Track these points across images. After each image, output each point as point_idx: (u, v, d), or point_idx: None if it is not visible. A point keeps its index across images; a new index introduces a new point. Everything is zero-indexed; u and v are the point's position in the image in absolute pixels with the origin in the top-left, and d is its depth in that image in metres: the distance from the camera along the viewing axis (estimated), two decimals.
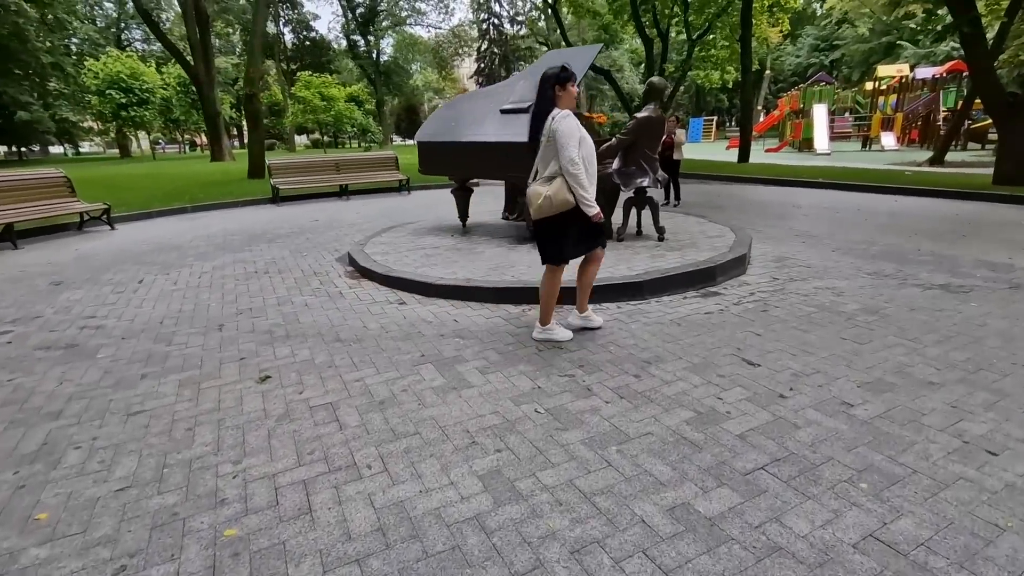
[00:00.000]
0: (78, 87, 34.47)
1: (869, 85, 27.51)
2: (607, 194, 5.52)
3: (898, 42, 33.41)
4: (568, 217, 3.23)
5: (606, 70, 21.68)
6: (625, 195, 5.87)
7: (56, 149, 49.17)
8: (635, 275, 4.60)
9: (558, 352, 3.37)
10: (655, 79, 5.47)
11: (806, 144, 22.87)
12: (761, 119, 34.64)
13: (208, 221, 9.69)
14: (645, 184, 5.50)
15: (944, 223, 7.30)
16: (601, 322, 3.76)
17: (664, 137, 8.96)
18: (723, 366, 3.13)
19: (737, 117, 27.98)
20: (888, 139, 22.29)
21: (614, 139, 5.49)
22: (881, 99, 25.58)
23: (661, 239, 5.73)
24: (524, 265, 5.02)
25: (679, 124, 9.28)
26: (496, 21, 55.58)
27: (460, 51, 49.45)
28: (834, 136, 23.59)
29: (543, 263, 3.44)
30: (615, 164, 5.63)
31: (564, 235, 3.30)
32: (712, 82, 23.06)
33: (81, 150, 53.45)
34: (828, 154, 20.31)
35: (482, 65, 58.06)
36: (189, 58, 25.04)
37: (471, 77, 63.74)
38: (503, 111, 6.21)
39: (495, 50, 56.51)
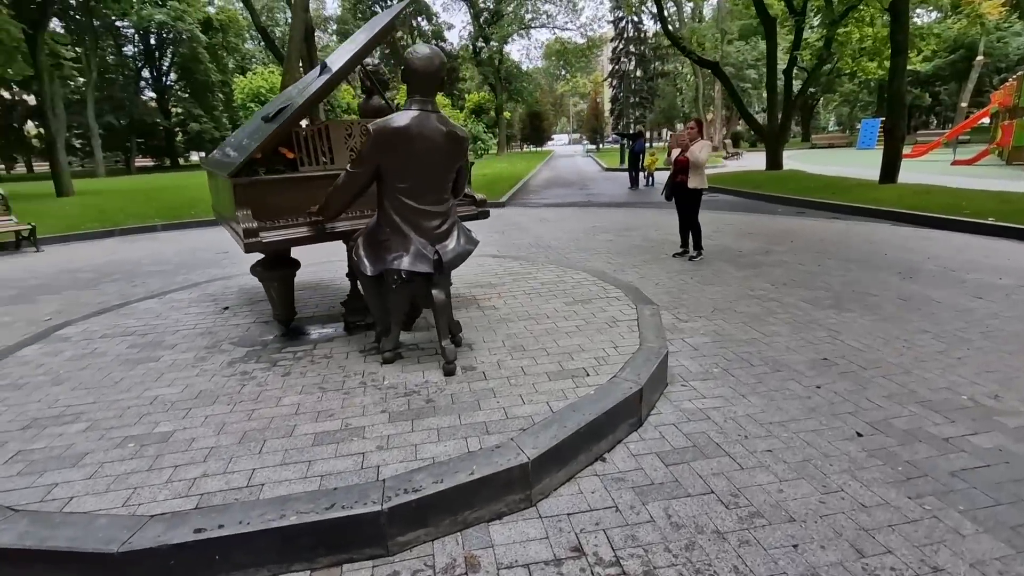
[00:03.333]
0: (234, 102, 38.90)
1: None
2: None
3: None
4: None
5: (714, 62, 17.59)
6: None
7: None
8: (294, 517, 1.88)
9: None
10: (417, 52, 2.56)
11: (1018, 154, 16.10)
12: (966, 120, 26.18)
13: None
14: (402, 266, 2.65)
15: None
16: None
17: (676, 152, 5.69)
18: None
19: (941, 117, 21.14)
20: None
21: (342, 174, 2.72)
22: None
23: (450, 366, 2.78)
24: (375, 442, 2.16)
25: (698, 132, 5.83)
26: (635, 18, 51.58)
27: (588, 53, 46.48)
28: None
29: None
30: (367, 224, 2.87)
31: None
32: (868, 72, 17.36)
33: None
34: None
35: (616, 67, 54.49)
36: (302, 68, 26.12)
37: (604, 79, 60.38)
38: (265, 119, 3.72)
39: (632, 49, 52.54)
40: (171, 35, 38.31)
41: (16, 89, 32.63)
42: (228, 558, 1.69)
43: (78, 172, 37.71)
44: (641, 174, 15.28)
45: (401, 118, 2.51)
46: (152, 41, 41.03)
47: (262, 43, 47.91)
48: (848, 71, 17.69)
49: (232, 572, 1.70)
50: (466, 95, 48.56)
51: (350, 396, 2.57)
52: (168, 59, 42.51)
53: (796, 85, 17.95)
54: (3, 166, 42.96)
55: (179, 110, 43.51)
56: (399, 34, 45.63)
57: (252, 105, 33.40)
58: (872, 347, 3.42)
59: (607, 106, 61.28)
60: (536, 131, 53.55)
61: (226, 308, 4.16)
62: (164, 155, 45.88)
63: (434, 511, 1.84)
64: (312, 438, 2.20)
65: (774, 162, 16.77)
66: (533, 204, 12.34)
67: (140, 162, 44.88)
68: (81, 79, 32.25)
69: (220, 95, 41.09)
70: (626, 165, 17.01)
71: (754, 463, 2.25)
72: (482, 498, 1.91)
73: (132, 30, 37.77)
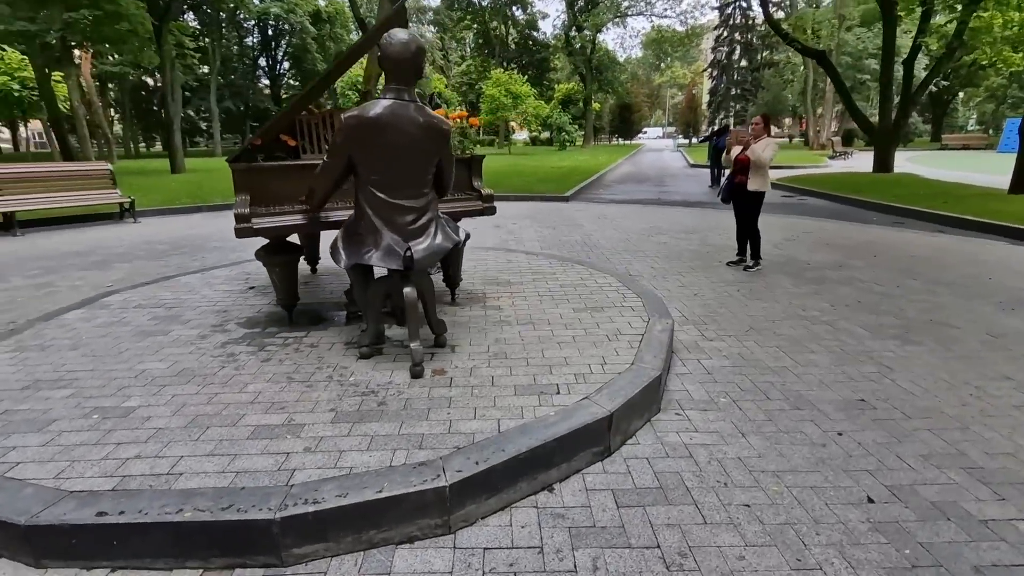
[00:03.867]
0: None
1: None
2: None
3: None
4: None
5: (820, 51, 16.00)
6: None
7: None
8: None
9: None
10: (392, 37, 2.39)
11: None
12: None
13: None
14: (371, 261, 2.56)
15: None
16: None
17: (738, 150, 5.20)
18: None
19: None
20: None
21: (320, 164, 2.65)
22: None
23: (416, 368, 2.65)
24: (306, 443, 2.11)
25: (764, 128, 5.18)
26: (744, 4, 48.26)
27: (686, 41, 44.09)
28: None
29: None
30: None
31: None
32: (1010, 64, 14.85)
33: None
34: None
35: (719, 57, 51.39)
36: None
37: (704, 70, 56.96)
38: None
39: (737, 37, 49.21)
40: (286, 26, 41.29)
41: (157, 76, 36.82)
42: (126, 545, 1.69)
43: (201, 152, 41.95)
44: (725, 172, 14.24)
45: (374, 107, 2.40)
46: (269, 32, 44.47)
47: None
48: (986, 62, 15.24)
49: (130, 559, 1.70)
50: (555, 85, 48.09)
51: (311, 390, 2.53)
52: (282, 49, 45.90)
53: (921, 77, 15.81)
54: (144, 144, 48.72)
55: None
56: (493, 24, 46.02)
57: (350, 93, 35.30)
58: (930, 391, 2.87)
59: (705, 98, 58.08)
60: (625, 123, 51.94)
61: (251, 288, 4.33)
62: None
63: (334, 527, 1.73)
64: (251, 430, 2.18)
65: (883, 164, 14.98)
66: (599, 199, 11.92)
67: None
68: (205, 68, 35.63)
69: None
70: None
71: (722, 518, 1.93)
72: (390, 519, 1.78)
73: (252, 22, 41.11)
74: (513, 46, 46.39)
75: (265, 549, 1.70)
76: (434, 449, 2.03)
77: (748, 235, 5.50)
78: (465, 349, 2.98)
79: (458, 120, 3.44)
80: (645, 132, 73.20)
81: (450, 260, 3.76)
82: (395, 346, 3.05)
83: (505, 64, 44.84)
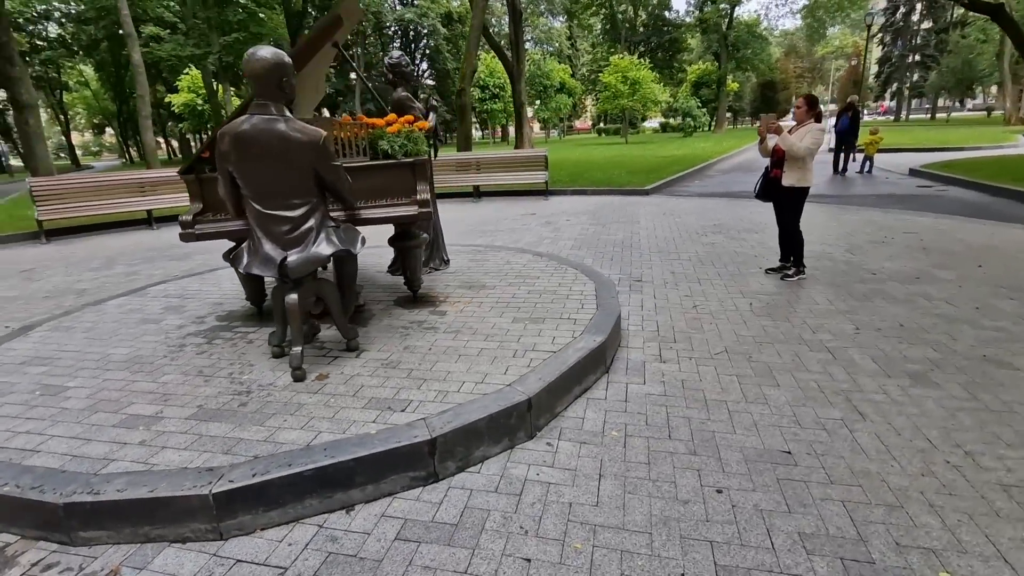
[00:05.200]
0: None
1: None
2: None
3: None
4: None
5: (996, 4, 13.06)
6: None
7: None
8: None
9: None
10: (252, 54, 2.42)
11: None
12: None
13: None
14: (250, 269, 2.72)
15: None
16: None
17: (773, 141, 4.57)
18: None
19: None
20: None
21: None
22: None
23: (297, 372, 2.75)
24: (150, 436, 2.53)
25: (808, 112, 4.29)
26: None
27: (845, 4, 38.26)
28: None
29: None
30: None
31: None
32: None
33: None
34: None
35: (889, 20, 44.06)
36: (508, 53, 27.63)
37: (874, 36, 48.81)
38: None
39: None
40: (423, 29, 44.12)
41: None
42: None
43: None
44: (853, 156, 12.27)
45: (238, 123, 2.52)
46: (410, 35, 47.86)
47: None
48: None
49: None
50: (686, 67, 45.05)
51: (205, 384, 2.76)
52: (420, 51, 49.14)
53: None
54: None
55: (423, 95, 50.22)
56: (622, 7, 44.37)
57: (473, 90, 36.62)
58: (888, 452, 2.27)
59: (872, 69, 50.16)
60: (768, 103, 46.88)
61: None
62: None
63: (111, 518, 1.90)
64: (123, 419, 2.45)
65: None
66: (685, 193, 11.02)
67: None
68: (352, 75, 39.45)
69: (454, 81, 45.99)
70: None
71: (487, 570, 1.75)
72: (162, 518, 1.90)
73: (393, 27, 44.55)
74: (641, 29, 44.34)
75: (58, 529, 1.92)
76: (237, 456, 2.11)
77: (788, 238, 4.72)
78: (368, 355, 3.02)
79: (403, 126, 3.45)
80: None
81: (406, 264, 3.81)
82: (315, 347, 3.18)
83: (631, 48, 43.12)
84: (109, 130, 58.06)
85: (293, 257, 2.62)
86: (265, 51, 2.51)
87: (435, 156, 4.89)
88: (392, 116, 3.60)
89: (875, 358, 3.12)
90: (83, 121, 56.66)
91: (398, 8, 39.05)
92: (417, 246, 3.80)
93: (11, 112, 16.51)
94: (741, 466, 2.22)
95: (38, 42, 32.38)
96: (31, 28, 32.49)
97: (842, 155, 12.26)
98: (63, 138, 48.28)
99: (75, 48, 32.50)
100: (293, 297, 2.69)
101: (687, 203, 9.52)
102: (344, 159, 3.42)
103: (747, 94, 50.66)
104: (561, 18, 52.53)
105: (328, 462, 2.02)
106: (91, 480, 1.98)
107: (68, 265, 6.87)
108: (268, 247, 2.64)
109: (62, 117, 43.54)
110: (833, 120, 12.35)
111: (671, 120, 48.55)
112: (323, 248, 2.68)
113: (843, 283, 4.51)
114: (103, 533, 1.92)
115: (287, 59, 2.54)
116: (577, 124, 68.36)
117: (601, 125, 53.41)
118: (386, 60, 4.60)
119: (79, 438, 2.31)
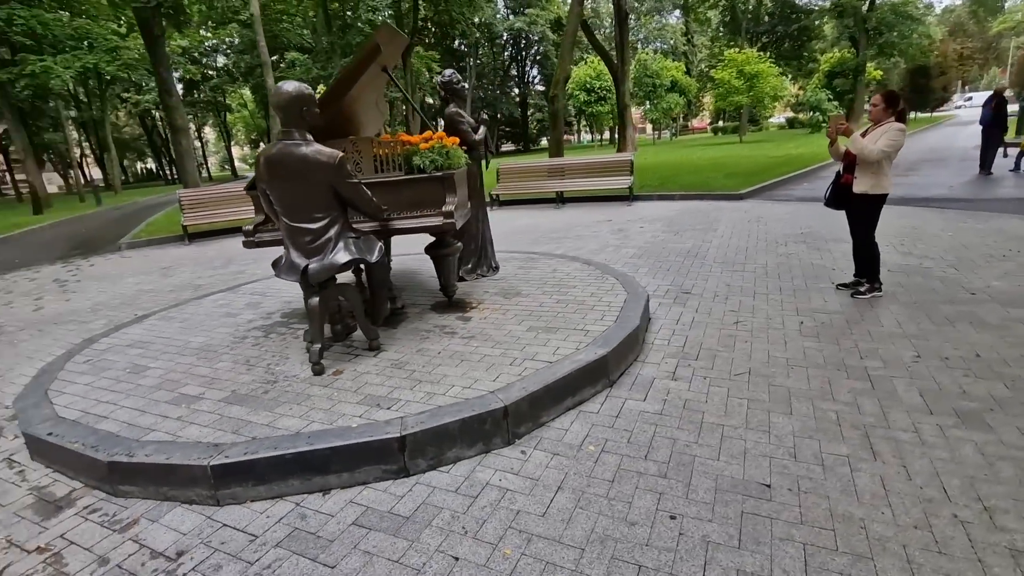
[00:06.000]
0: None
1: None
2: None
3: None
4: None
5: None
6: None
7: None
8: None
9: None
10: (277, 88, 2.80)
11: None
12: None
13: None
14: (280, 274, 3.11)
15: None
16: None
17: (844, 145, 4.23)
18: None
19: None
20: None
21: None
22: None
23: (316, 367, 3.08)
24: (179, 412, 3.82)
25: (886, 110, 3.76)
26: None
27: None
28: None
29: None
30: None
31: None
32: None
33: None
34: None
35: None
36: (613, 54, 27.27)
37: None
38: None
39: None
40: (533, 36, 45.02)
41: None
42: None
43: None
44: (1001, 151, 10.45)
45: (268, 148, 2.90)
46: (522, 43, 49.06)
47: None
48: None
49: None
50: (818, 56, 40.87)
51: (247, 372, 3.20)
52: (531, 58, 50.15)
53: None
54: None
55: (533, 101, 51.13)
56: None
57: (579, 93, 36.58)
58: (884, 498, 2.03)
59: None
60: (920, 92, 40.85)
61: None
62: (520, 141, 54.83)
63: (140, 477, 2.33)
64: (175, 396, 2.94)
65: None
66: (785, 198, 10.14)
67: (505, 148, 54.89)
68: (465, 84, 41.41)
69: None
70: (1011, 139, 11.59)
71: (384, 571, 1.89)
72: (172, 482, 2.29)
73: (505, 36, 45.94)
74: (766, 19, 41.11)
75: (106, 480, 2.39)
76: (241, 435, 2.46)
77: (860, 251, 4.25)
78: (384, 355, 3.28)
79: (437, 142, 3.67)
80: (970, 99, 56.33)
81: (440, 271, 4.04)
82: (344, 346, 3.52)
83: (753, 40, 40.20)
84: (262, 144, 67.04)
85: (314, 264, 2.96)
86: (289, 85, 2.87)
87: (486, 167, 5.08)
88: (428, 133, 3.85)
89: (924, 391, 2.75)
90: (242, 137, 65.63)
91: (509, 17, 40.16)
92: (450, 254, 4.02)
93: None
94: (708, 495, 2.12)
95: (208, 71, 38.24)
96: (204, 60, 38.49)
97: (990, 151, 10.46)
98: (227, 152, 56.46)
99: (236, 75, 37.87)
100: (315, 300, 3.03)
101: (781, 208, 8.79)
102: (382, 174, 3.73)
103: (894, 82, 44.66)
104: (676, 14, 50.52)
105: (307, 448, 2.29)
106: (131, 445, 2.44)
107: (197, 264, 8.13)
108: (294, 255, 3.01)
109: (225, 134, 50.88)
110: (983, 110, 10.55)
111: (800, 115, 44.41)
112: (340, 256, 2.99)
113: (926, 303, 3.96)
114: (135, 488, 2.35)
115: (307, 91, 2.88)
116: (694, 123, 65.13)
117: (720, 123, 50.46)
118: (438, 79, 4.89)
119: (139, 410, 2.82)
